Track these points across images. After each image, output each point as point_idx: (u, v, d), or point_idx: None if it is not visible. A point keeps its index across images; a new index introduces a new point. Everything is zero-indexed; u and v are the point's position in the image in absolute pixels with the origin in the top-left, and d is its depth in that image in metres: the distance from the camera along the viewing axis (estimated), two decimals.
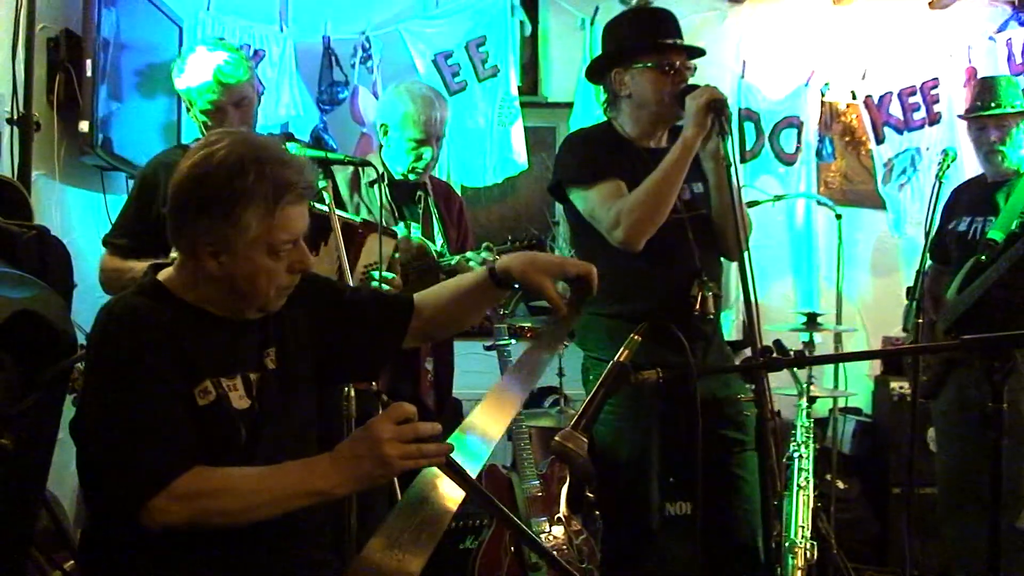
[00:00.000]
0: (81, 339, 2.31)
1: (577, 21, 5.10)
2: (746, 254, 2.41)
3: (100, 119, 3.53)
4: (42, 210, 3.29)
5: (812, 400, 3.36)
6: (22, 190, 2.56)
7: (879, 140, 5.28)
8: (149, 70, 4.12)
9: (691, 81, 2.86)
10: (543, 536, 3.65)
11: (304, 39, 4.84)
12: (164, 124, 4.24)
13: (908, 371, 4.64)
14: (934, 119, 5.24)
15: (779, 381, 3.37)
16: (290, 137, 3.21)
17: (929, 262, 3.74)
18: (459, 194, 3.85)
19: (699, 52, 2.94)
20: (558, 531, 3.71)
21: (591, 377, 2.94)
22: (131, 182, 3.99)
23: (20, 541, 2.36)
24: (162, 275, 1.91)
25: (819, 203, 5.07)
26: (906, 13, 5.32)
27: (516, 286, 2.10)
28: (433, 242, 3.39)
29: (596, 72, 3.02)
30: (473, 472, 1.69)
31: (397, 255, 3.17)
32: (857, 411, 5.10)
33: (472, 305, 2.20)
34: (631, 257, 2.78)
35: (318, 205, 2.86)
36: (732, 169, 2.55)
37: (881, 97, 5.26)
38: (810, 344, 3.93)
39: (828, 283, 5.10)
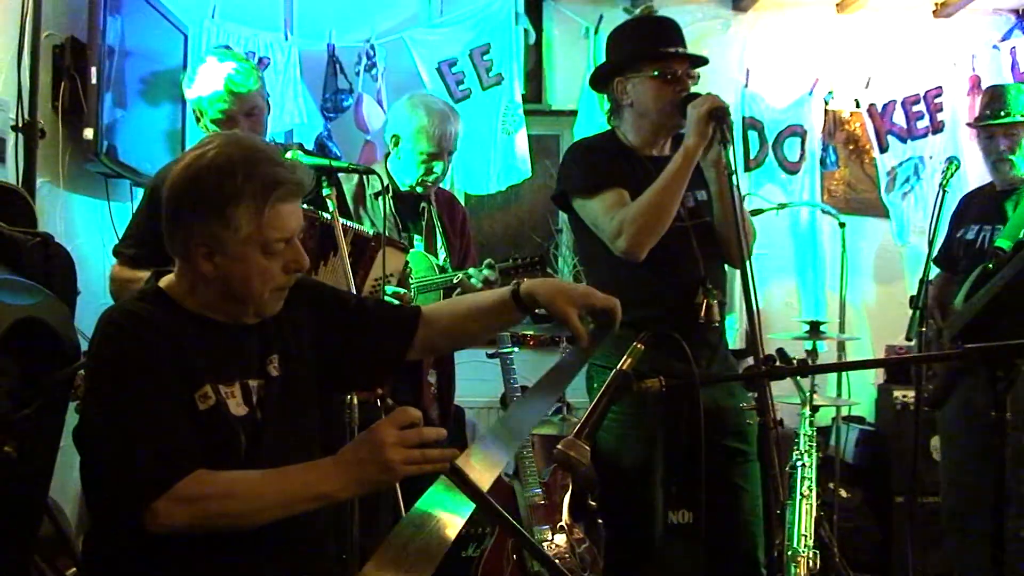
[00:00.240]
0: (84, 346, 2.32)
1: (581, 29, 5.10)
2: (748, 263, 2.40)
3: (105, 126, 3.53)
4: (46, 217, 3.29)
5: (815, 409, 3.36)
6: (27, 197, 2.57)
7: (883, 148, 5.28)
8: (154, 78, 4.13)
9: (694, 89, 2.86)
10: (545, 544, 3.65)
11: (308, 47, 4.85)
12: (168, 132, 4.24)
13: (912, 380, 4.63)
14: (938, 128, 5.24)
15: (782, 390, 3.37)
16: (299, 147, 3.21)
17: (935, 270, 3.74)
18: (463, 204, 3.85)
19: (703, 61, 2.94)
20: (560, 539, 3.71)
21: (595, 385, 2.94)
22: (136, 190, 4.02)
23: (23, 547, 2.37)
24: (163, 282, 1.91)
25: (823, 211, 5.07)
26: (910, 22, 5.32)
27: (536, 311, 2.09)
28: (436, 255, 3.39)
29: (599, 81, 3.03)
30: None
31: (408, 269, 3.17)
32: (860, 420, 5.08)
33: (488, 323, 2.19)
34: (635, 266, 2.78)
35: (324, 214, 2.86)
36: (733, 178, 2.55)
37: (885, 105, 5.26)
38: (813, 352, 3.92)
39: (831, 291, 5.10)
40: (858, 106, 5.29)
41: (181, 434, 1.75)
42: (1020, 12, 5.28)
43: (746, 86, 5.20)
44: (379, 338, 2.10)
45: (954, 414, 3.64)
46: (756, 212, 4.37)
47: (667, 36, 2.90)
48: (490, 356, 3.94)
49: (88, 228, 3.77)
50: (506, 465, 4.13)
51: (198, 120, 3.12)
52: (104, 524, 1.88)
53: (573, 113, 5.06)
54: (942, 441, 3.83)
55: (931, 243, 3.65)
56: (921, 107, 5.25)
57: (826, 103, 5.27)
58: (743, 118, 5.15)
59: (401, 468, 1.68)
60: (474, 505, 1.51)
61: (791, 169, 5.23)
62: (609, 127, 3.04)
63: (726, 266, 3.02)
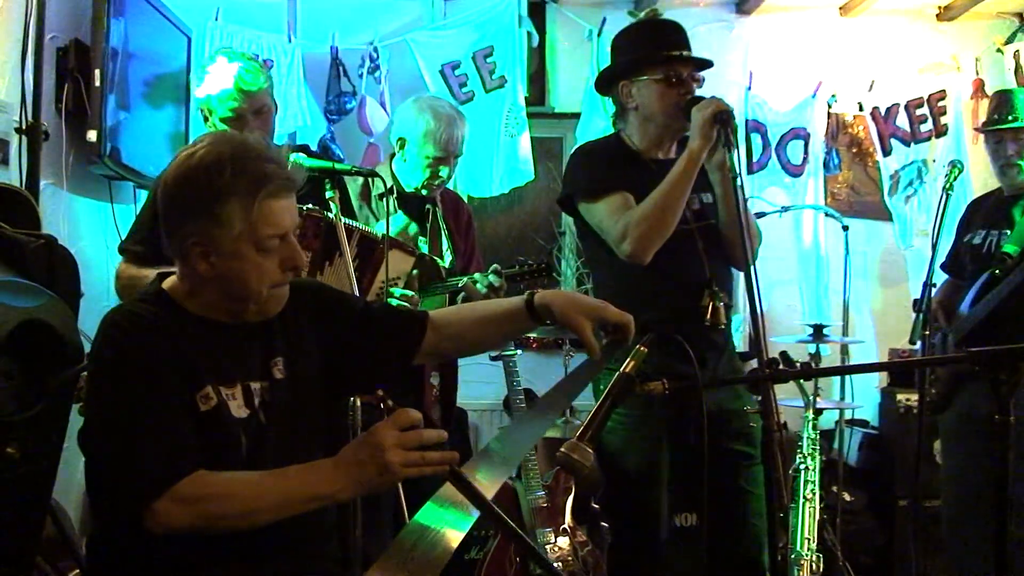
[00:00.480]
0: (87, 348, 2.32)
1: (584, 32, 5.10)
2: (752, 266, 2.40)
3: (108, 129, 3.54)
4: (50, 219, 3.29)
5: (818, 412, 3.36)
6: (30, 199, 2.57)
7: (886, 152, 5.28)
8: (157, 80, 4.14)
9: (698, 93, 2.86)
10: (548, 547, 3.65)
11: (312, 49, 4.86)
12: (172, 134, 4.25)
13: (916, 383, 4.62)
14: (941, 131, 5.24)
15: (785, 393, 3.36)
16: (304, 148, 3.21)
17: (939, 274, 3.72)
18: (467, 205, 3.84)
19: (707, 64, 2.94)
20: (563, 542, 3.70)
21: (600, 387, 2.94)
22: (139, 192, 4.02)
23: (26, 549, 2.37)
24: (166, 283, 1.91)
25: (826, 214, 5.07)
26: (913, 25, 5.32)
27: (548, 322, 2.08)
28: (441, 258, 3.39)
29: (605, 84, 3.03)
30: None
31: (416, 272, 3.16)
32: (864, 423, 5.08)
33: (499, 331, 2.19)
34: (641, 268, 2.78)
35: (329, 214, 2.86)
36: (738, 181, 2.55)
37: (888, 109, 5.26)
38: (817, 356, 3.92)
39: (835, 294, 5.09)
40: (861, 109, 5.29)
41: (182, 435, 1.75)
42: (1023, 16, 5.28)
43: (749, 89, 5.19)
44: (385, 341, 2.10)
45: (956, 420, 3.63)
46: (759, 215, 4.37)
47: (672, 39, 2.90)
48: (493, 359, 3.94)
49: (91, 230, 3.77)
50: None
51: (206, 120, 3.11)
52: (107, 525, 1.88)
53: (576, 116, 5.06)
54: (943, 446, 3.82)
55: (934, 246, 3.63)
56: (924, 110, 5.25)
57: (829, 106, 5.26)
58: (746, 121, 5.15)
59: (400, 470, 1.68)
60: (477, 514, 1.50)
61: (794, 172, 5.23)
62: (613, 130, 3.04)
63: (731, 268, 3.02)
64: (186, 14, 4.39)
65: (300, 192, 1.96)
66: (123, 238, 3.04)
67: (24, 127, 3.14)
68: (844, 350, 4.57)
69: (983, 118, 3.84)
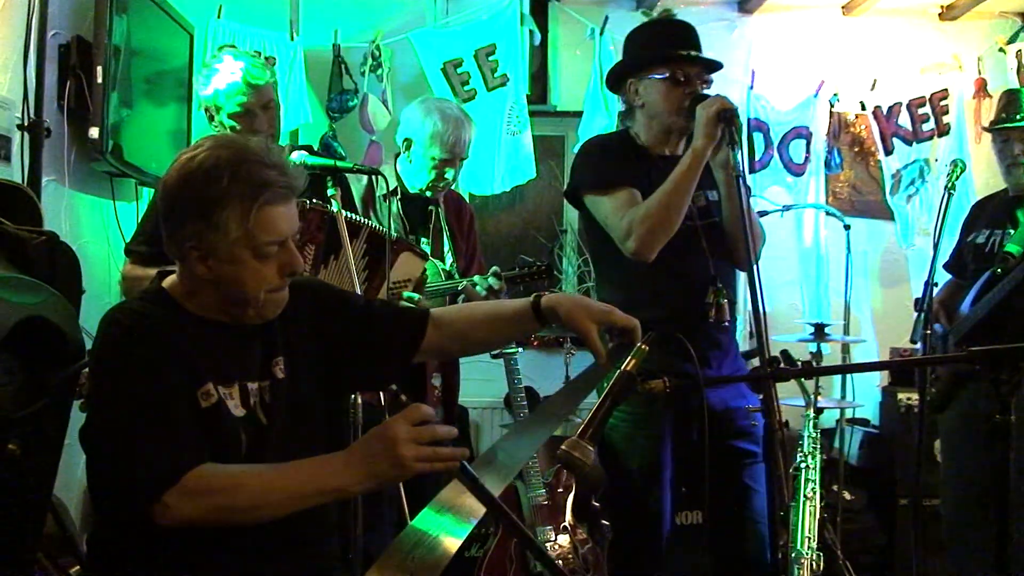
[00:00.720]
0: (89, 345, 2.32)
1: (587, 30, 5.09)
2: (755, 265, 2.39)
3: (110, 126, 3.53)
4: (51, 216, 3.29)
5: (819, 411, 3.35)
6: (32, 196, 2.57)
7: (888, 151, 5.27)
8: (160, 77, 4.14)
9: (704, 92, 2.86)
10: (548, 545, 3.65)
11: (314, 47, 4.86)
12: (174, 131, 4.25)
13: (917, 382, 4.63)
14: (943, 130, 5.23)
15: (786, 392, 3.36)
16: (307, 148, 3.22)
17: (941, 273, 3.72)
18: (469, 204, 3.84)
19: (716, 66, 2.94)
20: (563, 540, 3.71)
21: (603, 384, 2.94)
22: (141, 189, 4.02)
23: (27, 546, 2.37)
24: (166, 282, 1.92)
25: (827, 213, 5.06)
26: (916, 24, 5.32)
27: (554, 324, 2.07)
28: (443, 259, 3.39)
29: (614, 81, 3.04)
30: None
31: (425, 275, 3.17)
32: (864, 422, 5.08)
33: (504, 331, 2.18)
34: (645, 265, 2.78)
35: (333, 208, 2.85)
36: (741, 180, 2.55)
37: (890, 108, 5.25)
38: (818, 354, 3.92)
39: (836, 293, 5.09)
40: (863, 108, 5.28)
41: (186, 429, 1.75)
42: None
43: (751, 88, 5.19)
44: (386, 339, 2.09)
45: (956, 419, 3.63)
46: (761, 214, 4.36)
47: (681, 39, 2.90)
48: (494, 356, 3.94)
49: (93, 227, 3.77)
50: None
51: (211, 119, 3.10)
52: (109, 522, 1.88)
53: (578, 114, 5.05)
54: (943, 446, 3.82)
55: (936, 246, 3.62)
56: (927, 110, 5.25)
57: (831, 105, 5.26)
58: (748, 120, 5.15)
59: (413, 465, 1.67)
60: (478, 518, 1.50)
61: (796, 171, 5.22)
62: (616, 128, 3.05)
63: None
64: (188, 11, 4.39)
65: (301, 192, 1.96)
66: (128, 239, 3.04)
67: (26, 124, 3.14)
68: (845, 349, 4.57)
69: (985, 117, 3.85)
